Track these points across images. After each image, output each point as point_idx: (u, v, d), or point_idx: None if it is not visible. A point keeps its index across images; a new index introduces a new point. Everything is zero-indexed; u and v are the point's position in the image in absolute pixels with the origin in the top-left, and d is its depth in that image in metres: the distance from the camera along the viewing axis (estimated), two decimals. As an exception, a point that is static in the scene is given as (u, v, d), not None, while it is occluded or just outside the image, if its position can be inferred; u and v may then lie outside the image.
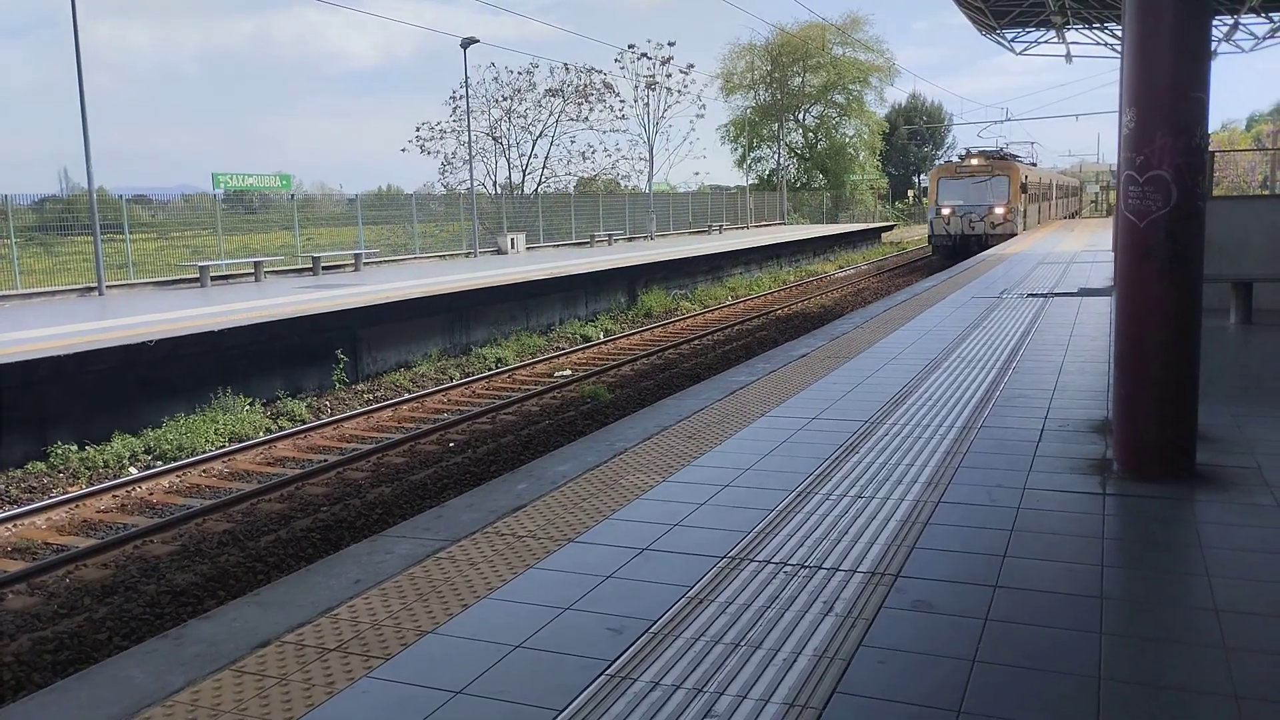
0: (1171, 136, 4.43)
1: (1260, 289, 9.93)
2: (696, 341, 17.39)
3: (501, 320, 17.29)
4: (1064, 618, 3.17)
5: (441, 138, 40.31)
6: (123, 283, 18.66)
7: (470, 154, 33.13)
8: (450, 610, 3.37)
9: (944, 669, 2.85)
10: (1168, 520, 4.11)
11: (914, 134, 74.76)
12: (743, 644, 3.04)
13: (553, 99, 41.26)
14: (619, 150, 63.47)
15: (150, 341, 11.05)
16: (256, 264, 20.06)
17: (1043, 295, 13.07)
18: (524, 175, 42.17)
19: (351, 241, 24.25)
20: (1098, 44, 22.76)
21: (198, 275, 19.10)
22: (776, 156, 58.63)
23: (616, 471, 5.06)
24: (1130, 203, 4.56)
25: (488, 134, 41.19)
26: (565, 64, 42.51)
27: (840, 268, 34.32)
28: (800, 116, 58.65)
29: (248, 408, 11.69)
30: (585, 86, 41.33)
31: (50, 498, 8.87)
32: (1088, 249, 22.31)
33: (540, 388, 13.28)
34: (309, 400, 12.72)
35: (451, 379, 14.34)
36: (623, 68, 46.23)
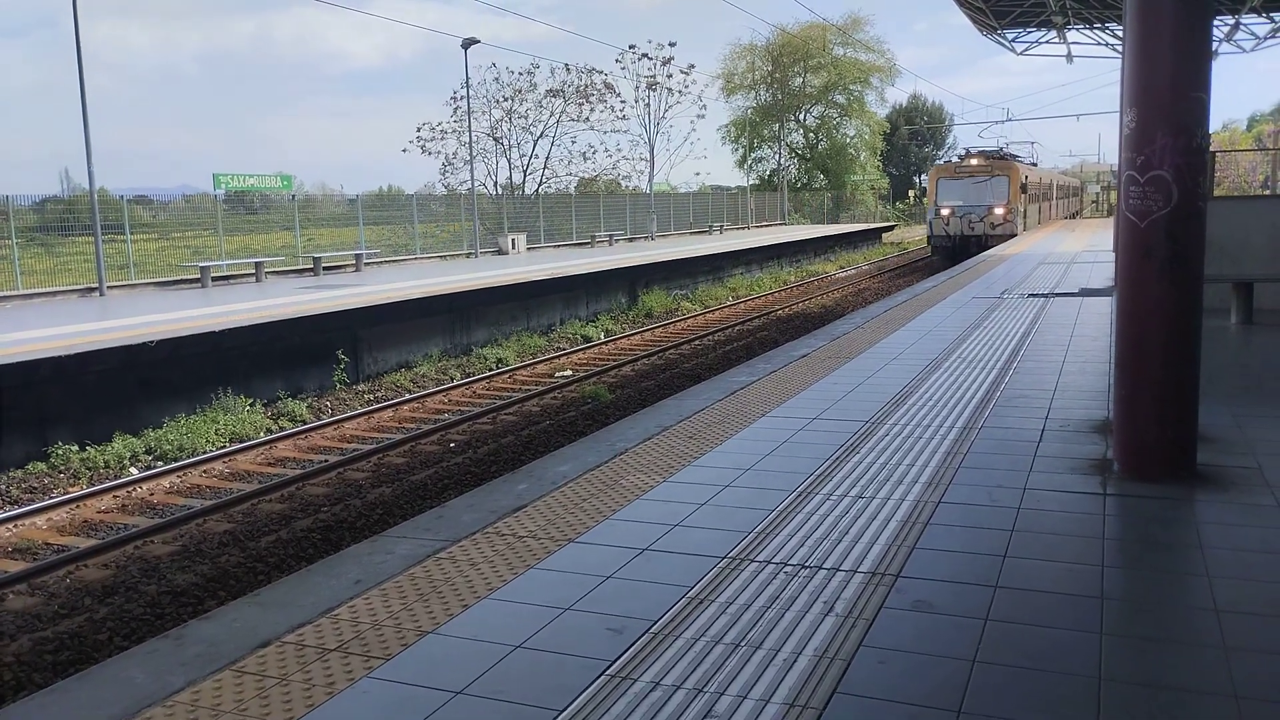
0: (1172, 136, 4.43)
1: (1261, 289, 9.93)
2: (697, 342, 17.39)
3: (502, 320, 17.30)
4: (1064, 618, 3.17)
5: (442, 138, 40.39)
6: (124, 283, 18.67)
7: (471, 154, 33.16)
8: (451, 610, 3.37)
9: (944, 669, 2.84)
10: (1168, 520, 4.11)
11: (915, 134, 74.80)
12: (743, 644, 3.04)
13: (554, 99, 41.34)
14: (620, 151, 63.54)
15: (151, 342, 11.06)
16: (257, 264, 20.07)
17: (1043, 295, 13.07)
18: (525, 175, 42.25)
19: (352, 242, 24.26)
20: (1099, 44, 22.75)
21: (199, 276, 19.11)
22: (777, 157, 58.66)
23: (617, 472, 5.06)
24: (1131, 203, 4.56)
25: (489, 134, 41.26)
26: (566, 64, 42.62)
27: (841, 268, 34.32)
28: (801, 117, 58.67)
29: (248, 408, 11.70)
30: (586, 87, 41.39)
31: (51, 498, 8.87)
32: (1088, 249, 22.30)
33: (541, 388, 13.28)
34: (310, 400, 12.72)
35: (452, 379, 14.35)
36: (623, 68, 46.31)
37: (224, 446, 10.60)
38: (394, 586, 3.62)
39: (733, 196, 48.43)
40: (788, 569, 3.64)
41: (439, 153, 40.76)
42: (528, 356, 16.25)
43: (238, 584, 6.95)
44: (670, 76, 43.13)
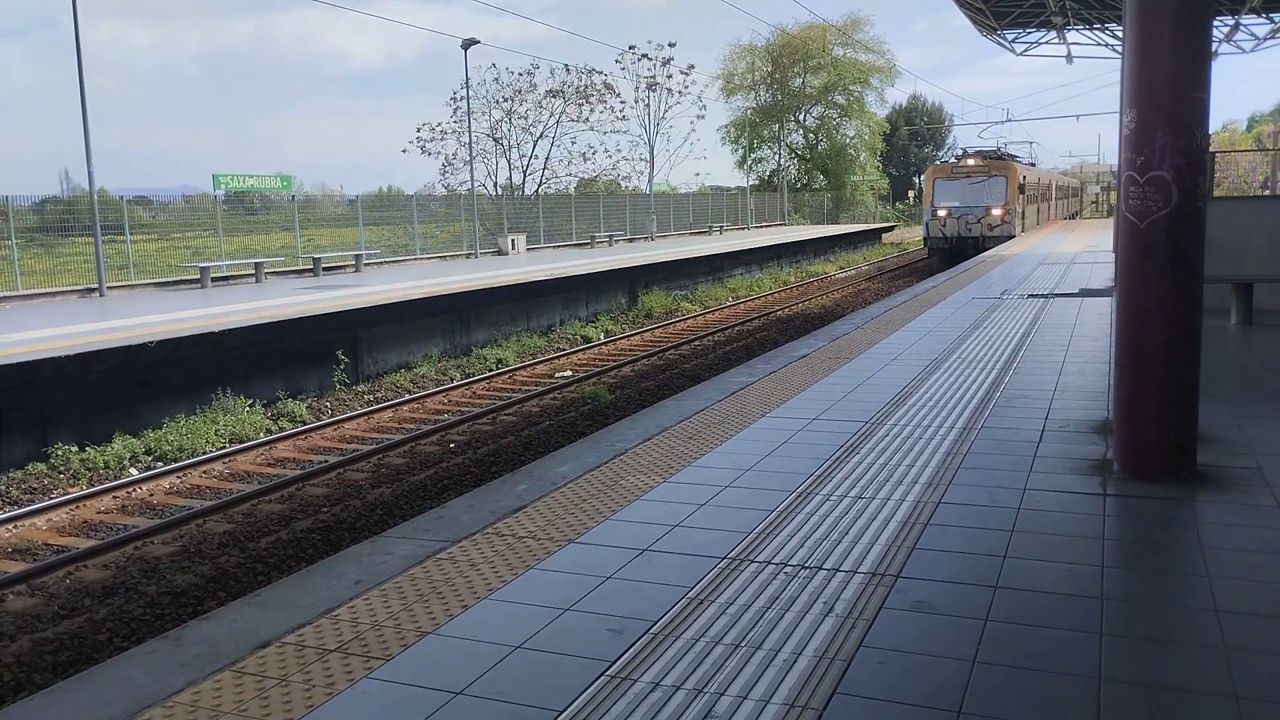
0: (1172, 137, 4.43)
1: (1261, 289, 9.93)
2: (697, 342, 17.39)
3: (502, 321, 17.30)
4: (1064, 618, 3.17)
5: (442, 139, 40.41)
6: (123, 284, 18.67)
7: (471, 155, 33.17)
8: (450, 611, 3.37)
9: (944, 670, 2.84)
10: (1168, 521, 4.11)
11: (915, 135, 74.83)
12: (743, 645, 3.04)
13: (553, 100, 41.36)
14: (619, 151, 63.57)
15: (151, 342, 11.06)
16: (257, 265, 20.07)
17: (1043, 296, 13.07)
18: (524, 176, 42.26)
19: (352, 242, 24.27)
20: (1099, 44, 22.76)
21: (198, 276, 19.11)
22: (777, 157, 58.66)
23: (617, 472, 5.06)
24: (1131, 203, 4.56)
25: (488, 135, 41.29)
26: (566, 65, 42.62)
27: (841, 268, 34.32)
28: (801, 117, 58.66)
29: (248, 409, 11.69)
30: (586, 87, 41.41)
31: (51, 499, 8.87)
32: (1088, 250, 22.30)
33: (541, 388, 13.29)
34: (309, 401, 12.72)
35: (452, 380, 14.35)
36: (623, 69, 46.34)
37: (224, 447, 10.60)
38: (394, 587, 3.61)
39: (732, 197, 48.44)
40: (788, 569, 3.64)
41: (439, 153, 40.82)
42: (527, 357, 16.26)
43: (238, 584, 6.94)
44: (670, 77, 43.20)
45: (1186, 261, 4.50)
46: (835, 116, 58.52)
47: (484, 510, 4.50)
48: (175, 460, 10.15)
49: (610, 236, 33.19)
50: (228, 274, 20.15)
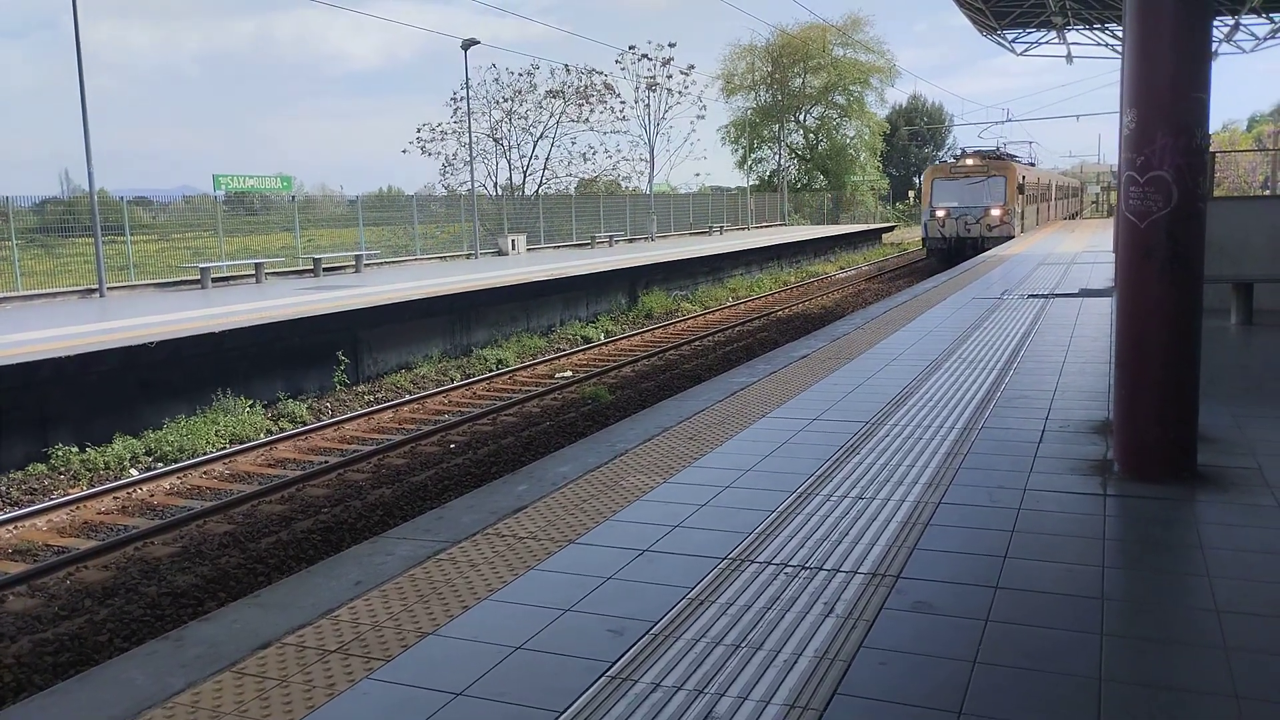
0: (1172, 137, 4.43)
1: (1261, 289, 9.93)
2: (697, 343, 17.39)
3: (502, 321, 17.30)
4: (1065, 619, 3.17)
5: (442, 139, 40.41)
6: (124, 284, 18.68)
7: (471, 155, 33.17)
8: (451, 612, 3.37)
9: (945, 670, 2.84)
10: (1168, 521, 4.11)
11: (915, 135, 74.84)
12: (744, 645, 3.04)
13: (553, 100, 41.34)
14: (620, 151, 63.42)
15: (151, 343, 11.06)
16: (257, 265, 20.07)
17: (1043, 296, 13.07)
18: (525, 176, 42.25)
19: (352, 243, 24.27)
20: (1099, 44, 22.75)
21: (199, 277, 19.12)
22: (777, 157, 58.66)
23: (617, 473, 5.06)
24: (1131, 203, 4.56)
25: (488, 135, 41.28)
26: (566, 65, 42.61)
27: (841, 269, 34.32)
28: (801, 117, 58.66)
29: (248, 409, 11.70)
30: (586, 88, 41.40)
31: (51, 499, 8.87)
32: (1088, 250, 22.30)
33: (541, 389, 13.29)
34: (310, 402, 12.72)
35: (452, 380, 14.35)
36: (623, 69, 46.29)
37: (224, 448, 10.60)
38: (394, 588, 3.61)
39: (733, 197, 48.43)
40: (788, 570, 3.64)
41: (439, 153, 40.81)
42: (528, 357, 16.26)
43: (238, 585, 6.94)
44: (670, 77, 43.17)
45: (1186, 261, 4.50)
46: (835, 117, 58.54)
47: (484, 511, 4.50)
48: (175, 461, 10.15)
49: (610, 237, 33.19)
50: (228, 275, 20.16)
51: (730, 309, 22.58)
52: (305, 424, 11.64)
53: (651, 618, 3.26)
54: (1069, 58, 24.10)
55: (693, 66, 46.49)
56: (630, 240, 35.12)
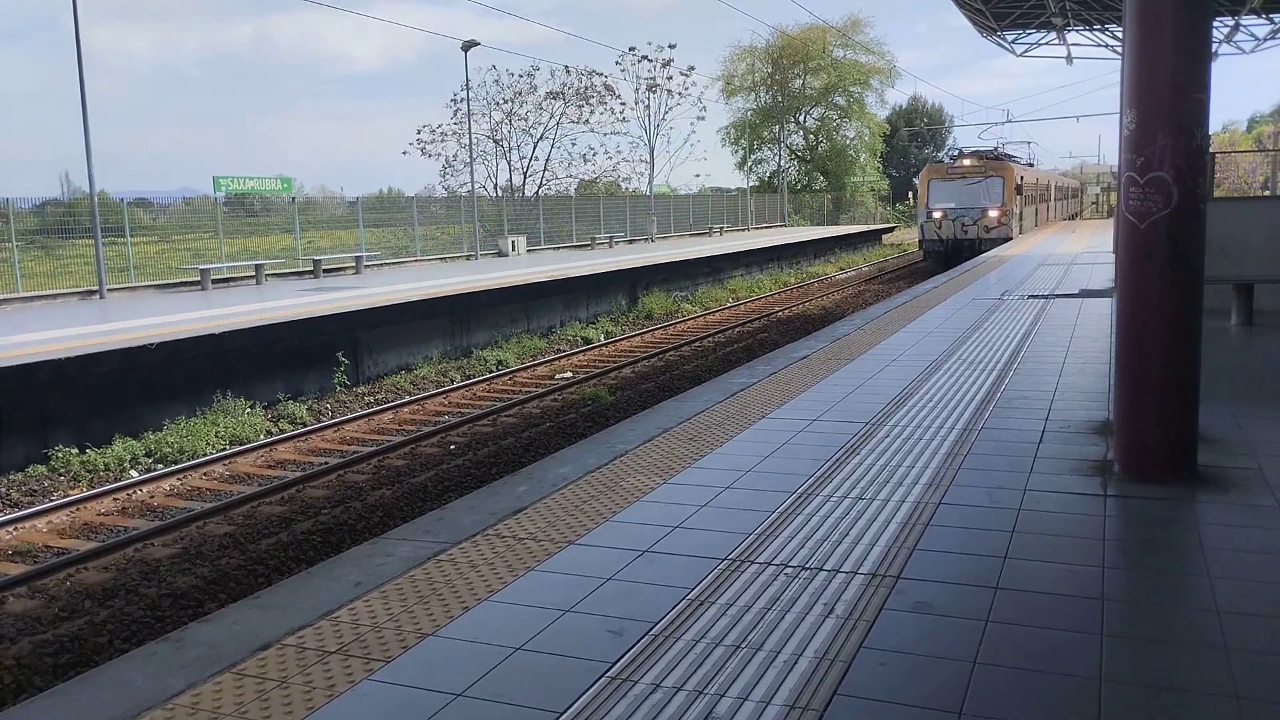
0: (1172, 137, 4.43)
1: (1261, 290, 9.93)
2: (697, 343, 17.39)
3: (502, 322, 17.30)
4: (1065, 619, 3.17)
5: (443, 140, 40.46)
6: (124, 286, 18.68)
7: (471, 156, 33.19)
8: (451, 613, 3.37)
9: (945, 670, 2.84)
10: (1169, 521, 4.10)
11: (915, 136, 74.85)
12: (744, 646, 3.03)
13: (553, 101, 41.40)
14: (620, 152, 63.28)
15: (151, 344, 11.06)
16: (257, 267, 20.08)
17: (1043, 297, 13.07)
18: (525, 178, 42.30)
19: (352, 244, 24.27)
20: (1098, 45, 22.76)
21: (199, 278, 19.12)
22: (777, 158, 58.68)
23: (617, 474, 5.05)
24: (1131, 204, 4.56)
25: (489, 136, 41.33)
26: (566, 66, 42.58)
27: (841, 269, 34.32)
28: (801, 118, 58.69)
29: (248, 410, 11.70)
30: (586, 89, 41.45)
31: (51, 501, 8.87)
32: (1088, 250, 22.30)
33: (541, 390, 13.28)
34: (310, 403, 12.72)
35: (452, 381, 14.35)
36: (623, 70, 46.34)
37: (224, 449, 10.60)
38: (394, 589, 3.61)
39: (733, 198, 48.44)
40: (788, 570, 3.64)
41: (439, 155, 40.87)
42: (528, 358, 16.25)
43: (238, 586, 6.94)
44: (670, 78, 43.25)
45: (1187, 262, 4.50)
46: (835, 118, 58.57)
47: (484, 512, 4.50)
48: (176, 462, 10.15)
49: (610, 238, 33.20)
50: (228, 276, 20.16)
51: (730, 310, 22.58)
52: (305, 425, 11.64)
53: (651, 618, 3.25)
54: (1069, 58, 24.11)
55: (693, 68, 46.59)
56: (630, 241, 35.13)
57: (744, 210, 47.14)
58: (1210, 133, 4.72)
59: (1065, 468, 4.89)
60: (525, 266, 22.56)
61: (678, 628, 3.18)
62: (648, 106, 43.37)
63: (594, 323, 19.86)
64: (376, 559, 3.94)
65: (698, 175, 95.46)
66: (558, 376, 14.65)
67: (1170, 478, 4.58)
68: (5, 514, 8.40)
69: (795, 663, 2.91)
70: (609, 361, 15.86)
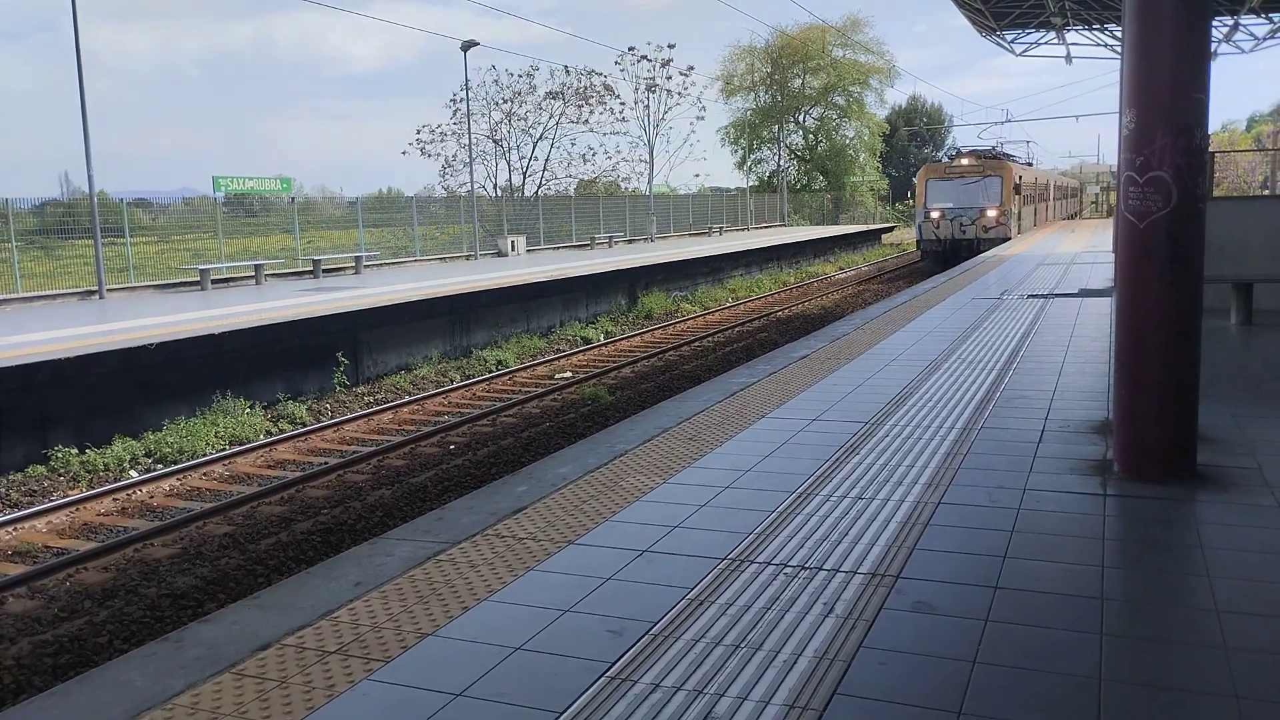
0: (1172, 137, 4.43)
1: (1260, 290, 9.93)
2: (697, 343, 17.39)
3: (502, 322, 17.30)
4: (1064, 619, 3.17)
5: (442, 140, 40.44)
6: (123, 286, 18.68)
7: (471, 156, 33.18)
8: (450, 612, 3.37)
9: (945, 670, 2.84)
10: (1168, 521, 4.10)
11: (914, 135, 74.87)
12: (743, 645, 3.03)
13: (553, 101, 41.39)
14: (619, 152, 63.29)
15: (151, 345, 11.05)
16: (257, 267, 20.07)
17: (1043, 296, 13.07)
18: (524, 177, 42.29)
19: (352, 244, 24.28)
20: (1098, 45, 22.77)
21: (198, 278, 19.12)
22: (777, 158, 58.67)
23: (617, 473, 5.05)
24: (1130, 203, 4.56)
25: (488, 136, 41.32)
26: (565, 66, 42.58)
27: (840, 269, 34.32)
28: (800, 118, 58.69)
29: (248, 411, 11.70)
30: (585, 89, 41.44)
31: (51, 501, 8.87)
32: (1088, 250, 22.30)
33: (541, 390, 13.28)
34: (309, 403, 12.72)
35: (452, 381, 14.35)
36: (623, 70, 46.37)
37: (224, 449, 10.60)
38: (394, 589, 3.61)
39: (732, 198, 48.44)
40: (788, 570, 3.64)
41: (439, 155, 40.85)
42: (527, 358, 16.25)
43: (237, 586, 6.94)
44: (669, 78, 43.24)
45: (1186, 261, 4.50)
46: (835, 117, 58.56)
47: (484, 512, 4.50)
48: (175, 462, 10.15)
49: (610, 238, 33.21)
50: (227, 276, 20.17)
51: (730, 310, 22.59)
52: (305, 425, 11.64)
53: (651, 618, 3.25)
54: (1068, 58, 24.12)
55: (692, 68, 46.57)
56: (630, 241, 35.13)
57: (743, 210, 47.14)
58: (1209, 132, 4.72)
59: (1065, 467, 4.89)
60: (525, 266, 22.56)
61: (677, 627, 3.18)
62: (647, 106, 43.43)
63: (593, 323, 19.86)
64: (376, 559, 3.94)
65: (697, 175, 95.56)
66: (557, 376, 14.65)
67: (1170, 477, 4.58)
68: (5, 514, 8.40)
69: (795, 662, 2.91)
70: (608, 361, 15.86)
